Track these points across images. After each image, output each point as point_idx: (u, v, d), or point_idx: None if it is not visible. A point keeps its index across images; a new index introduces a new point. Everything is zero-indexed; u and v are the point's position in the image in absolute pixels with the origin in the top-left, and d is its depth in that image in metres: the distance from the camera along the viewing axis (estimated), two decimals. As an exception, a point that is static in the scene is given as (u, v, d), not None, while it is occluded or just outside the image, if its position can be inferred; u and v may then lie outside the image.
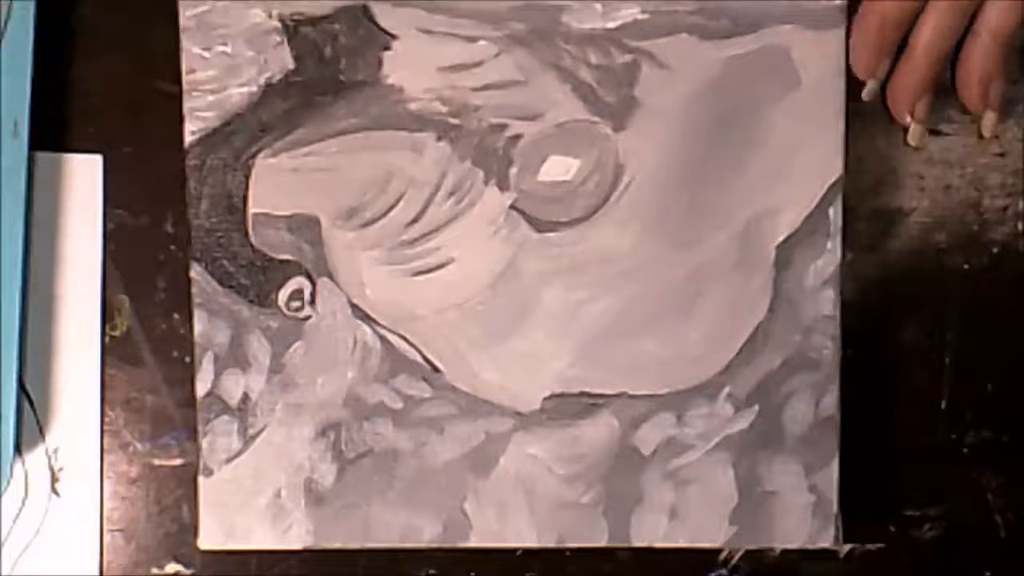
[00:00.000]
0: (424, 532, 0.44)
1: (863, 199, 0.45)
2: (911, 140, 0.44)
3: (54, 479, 0.45)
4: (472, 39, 0.42)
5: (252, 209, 0.42)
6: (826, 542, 0.44)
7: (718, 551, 0.45)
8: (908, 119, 0.44)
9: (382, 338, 0.43)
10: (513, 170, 0.43)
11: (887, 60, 0.43)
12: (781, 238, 0.43)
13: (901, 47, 0.43)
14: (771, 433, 0.43)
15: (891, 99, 0.43)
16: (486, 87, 0.42)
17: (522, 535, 0.44)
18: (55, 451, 0.45)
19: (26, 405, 0.44)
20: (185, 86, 0.42)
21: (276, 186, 0.42)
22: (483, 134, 0.42)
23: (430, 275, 0.43)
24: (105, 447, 0.45)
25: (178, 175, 0.42)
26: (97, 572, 0.45)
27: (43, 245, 0.44)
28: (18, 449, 0.44)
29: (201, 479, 0.43)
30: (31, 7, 0.42)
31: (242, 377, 0.43)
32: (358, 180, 0.42)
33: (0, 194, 0.42)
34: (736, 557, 0.45)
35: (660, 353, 0.43)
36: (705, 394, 0.43)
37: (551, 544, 0.44)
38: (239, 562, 0.45)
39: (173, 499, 0.45)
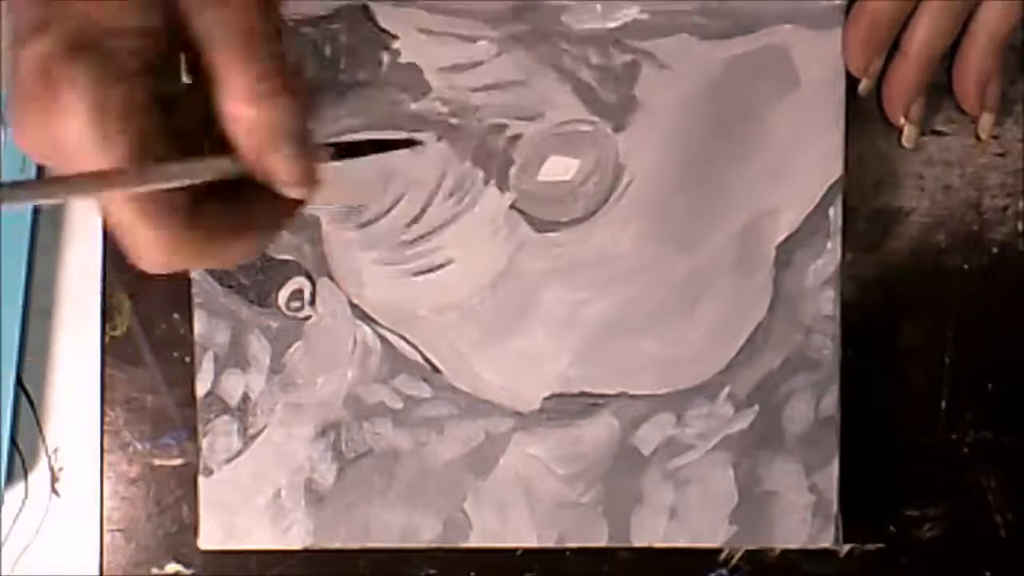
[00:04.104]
0: (424, 532, 0.44)
1: (863, 199, 0.45)
2: (905, 142, 0.44)
3: (54, 479, 0.45)
4: (472, 39, 0.42)
5: (252, 209, 0.42)
6: (826, 542, 0.44)
7: (718, 551, 0.45)
8: (902, 121, 0.44)
9: (382, 338, 0.43)
10: (513, 170, 0.43)
11: (879, 58, 0.43)
12: (781, 238, 0.43)
13: (897, 47, 0.43)
14: (771, 433, 0.43)
15: (886, 101, 0.43)
16: (486, 87, 0.42)
17: (522, 535, 0.44)
18: (55, 451, 0.45)
19: (26, 405, 0.44)
20: (185, 86, 0.42)
21: (276, 186, 0.42)
22: (483, 134, 0.42)
23: (430, 275, 0.43)
24: (105, 447, 0.45)
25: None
26: (97, 572, 0.45)
27: (44, 245, 0.44)
28: (18, 449, 0.44)
29: (201, 479, 0.43)
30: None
31: (242, 377, 0.43)
32: (358, 180, 0.42)
33: (2, 226, 0.42)
34: (736, 557, 0.45)
35: (660, 353, 0.43)
36: (705, 394, 0.43)
37: (551, 544, 0.44)
38: (239, 562, 0.45)
39: (173, 499, 0.45)
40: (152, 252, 0.29)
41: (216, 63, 0.29)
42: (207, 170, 0.29)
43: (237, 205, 0.31)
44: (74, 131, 0.27)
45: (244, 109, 0.29)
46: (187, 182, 0.28)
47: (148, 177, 0.28)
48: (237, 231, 0.31)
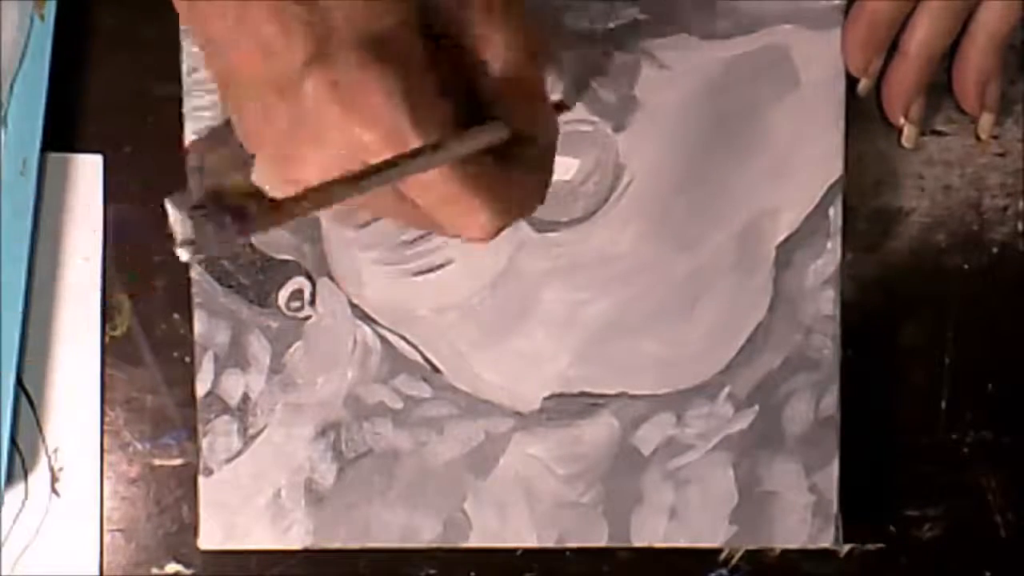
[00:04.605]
0: (424, 532, 0.44)
1: (863, 199, 0.45)
2: (905, 141, 0.44)
3: (54, 479, 0.45)
4: (472, 39, 0.42)
5: (252, 209, 0.42)
6: (826, 542, 0.44)
7: (718, 551, 0.45)
8: (902, 121, 0.44)
9: (382, 338, 0.43)
10: (513, 170, 0.43)
11: (879, 58, 0.43)
12: (781, 238, 0.43)
13: (896, 47, 0.43)
14: (771, 433, 0.43)
15: (885, 100, 0.43)
16: (486, 87, 0.42)
17: (522, 535, 0.44)
18: (55, 451, 0.45)
19: (26, 405, 0.44)
20: (185, 86, 0.42)
21: (276, 186, 0.42)
22: (483, 134, 0.42)
23: (430, 275, 0.43)
24: (105, 447, 0.45)
25: (178, 175, 0.42)
26: (97, 572, 0.45)
27: (44, 245, 0.44)
28: (18, 449, 0.44)
29: (201, 479, 0.43)
30: (47, 50, 0.42)
31: (242, 377, 0.43)
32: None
33: (2, 227, 0.42)
34: (736, 557, 0.45)
35: (660, 353, 0.43)
36: (705, 394, 0.43)
37: (551, 544, 0.44)
38: (239, 562, 0.45)
39: (173, 499, 0.45)
40: (480, 218, 0.31)
41: (479, 35, 0.31)
42: (491, 135, 0.31)
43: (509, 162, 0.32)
44: (384, 128, 0.28)
45: (516, 71, 0.31)
46: (473, 150, 0.30)
47: (452, 149, 0.29)
48: (525, 185, 0.33)
